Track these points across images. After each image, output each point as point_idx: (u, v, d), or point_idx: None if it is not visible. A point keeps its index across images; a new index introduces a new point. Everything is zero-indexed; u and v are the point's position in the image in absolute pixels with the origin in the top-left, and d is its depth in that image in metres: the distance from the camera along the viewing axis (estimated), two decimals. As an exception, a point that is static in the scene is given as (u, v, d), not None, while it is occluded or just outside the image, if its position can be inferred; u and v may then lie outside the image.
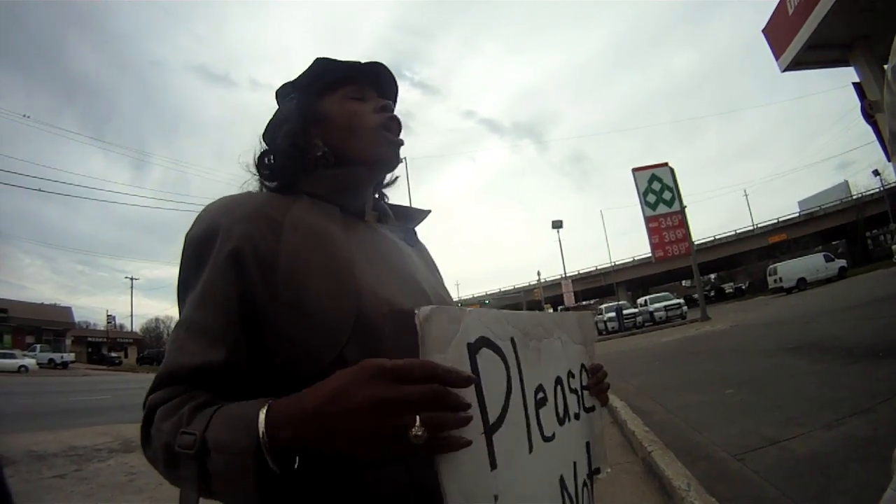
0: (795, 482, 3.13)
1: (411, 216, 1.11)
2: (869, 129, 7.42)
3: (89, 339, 62.05)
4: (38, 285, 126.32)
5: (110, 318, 66.75)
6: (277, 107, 1.04)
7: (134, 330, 72.37)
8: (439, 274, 1.14)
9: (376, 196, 1.10)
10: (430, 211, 1.12)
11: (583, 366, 1.07)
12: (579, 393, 1.03)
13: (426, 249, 1.14)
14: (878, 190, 50.23)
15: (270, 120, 1.02)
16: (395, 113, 1.05)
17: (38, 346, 45.36)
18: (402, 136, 1.04)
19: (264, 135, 1.02)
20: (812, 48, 7.53)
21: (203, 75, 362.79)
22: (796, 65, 8.01)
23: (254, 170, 0.99)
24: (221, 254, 0.79)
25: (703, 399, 6.08)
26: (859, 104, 7.46)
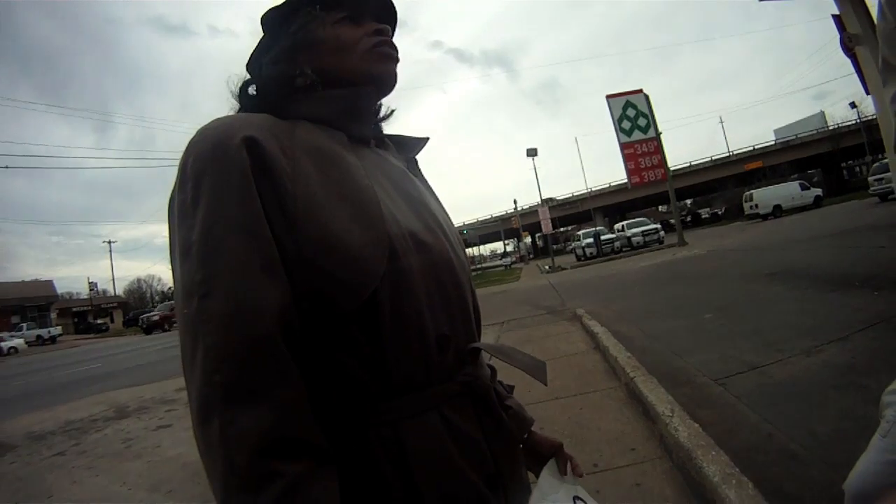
0: (776, 408, 3.21)
1: (410, 145, 1.01)
2: (847, 61, 7.35)
3: (74, 309, 62.62)
4: (15, 263, 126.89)
5: (92, 285, 66.43)
6: (263, 34, 0.93)
7: (117, 293, 71.94)
8: (441, 202, 1.04)
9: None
10: (428, 139, 1.03)
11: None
12: None
13: (425, 179, 1.04)
14: (854, 122, 50.49)
15: (255, 49, 0.92)
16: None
17: (25, 324, 46.19)
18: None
19: (248, 65, 0.93)
20: (792, -24, 7.36)
21: (160, 27, 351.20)
22: (774, -7, 7.81)
23: (235, 101, 0.89)
24: (236, 170, 0.66)
25: (682, 324, 6.22)
26: (838, 36, 7.35)
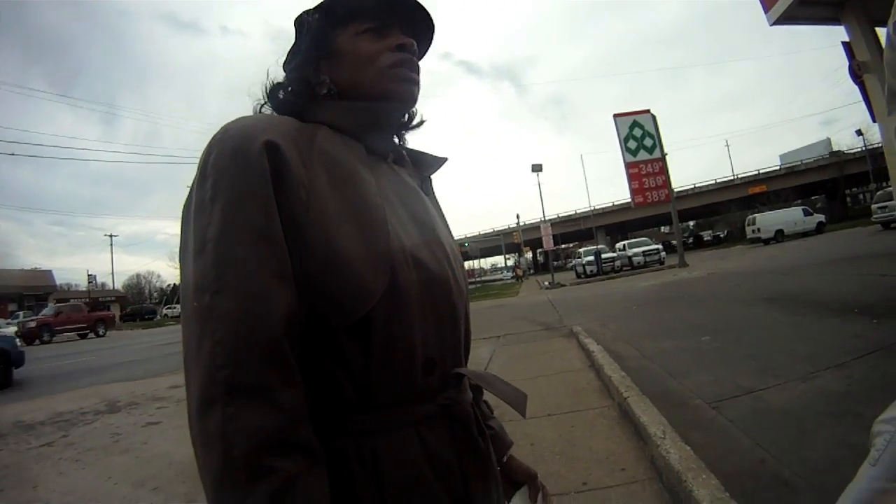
0: (769, 433, 3.17)
1: (427, 163, 1.00)
2: (855, 88, 7.38)
3: (72, 301, 61.65)
4: (15, 251, 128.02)
5: (91, 278, 66.67)
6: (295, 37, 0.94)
7: (116, 288, 72.00)
8: (448, 225, 1.03)
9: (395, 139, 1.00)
10: (446, 159, 1.02)
11: None
12: None
13: (437, 199, 1.03)
14: (860, 150, 50.84)
15: (289, 50, 0.93)
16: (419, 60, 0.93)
17: (21, 312, 45.50)
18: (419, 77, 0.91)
19: (283, 65, 0.93)
20: (803, 4, 7.41)
21: (172, 23, 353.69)
22: (786, 19, 7.85)
23: (263, 99, 0.90)
24: (256, 173, 0.67)
25: (679, 345, 6.18)
26: (847, 64, 7.39)
